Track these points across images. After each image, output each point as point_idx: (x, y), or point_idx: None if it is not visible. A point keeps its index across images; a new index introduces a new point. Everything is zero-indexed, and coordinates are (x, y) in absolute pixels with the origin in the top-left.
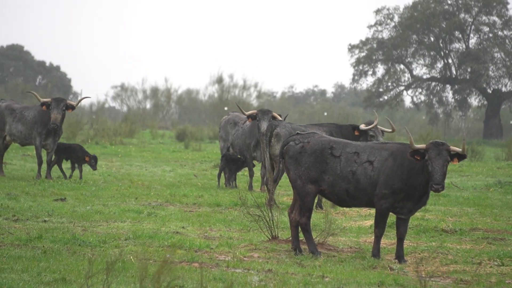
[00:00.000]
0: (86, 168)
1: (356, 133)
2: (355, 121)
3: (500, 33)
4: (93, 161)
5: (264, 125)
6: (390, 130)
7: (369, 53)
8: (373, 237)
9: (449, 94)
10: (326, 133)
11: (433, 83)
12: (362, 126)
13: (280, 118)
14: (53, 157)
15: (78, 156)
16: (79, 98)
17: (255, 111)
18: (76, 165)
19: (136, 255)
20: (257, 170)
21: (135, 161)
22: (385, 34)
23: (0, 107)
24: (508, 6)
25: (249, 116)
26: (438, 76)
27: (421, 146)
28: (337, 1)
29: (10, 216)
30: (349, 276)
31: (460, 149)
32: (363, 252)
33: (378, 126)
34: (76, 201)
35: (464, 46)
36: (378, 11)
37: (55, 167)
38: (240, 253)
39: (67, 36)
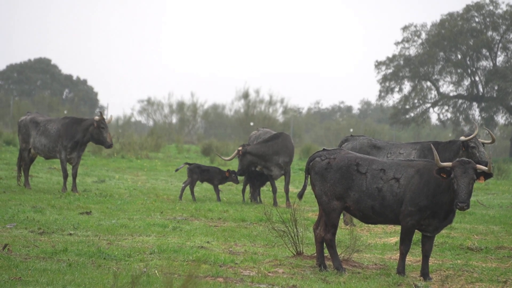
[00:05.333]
0: (112, 181)
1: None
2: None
3: None
4: (233, 175)
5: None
6: (490, 141)
7: (395, 70)
8: (398, 254)
9: (475, 112)
10: (417, 151)
11: (460, 101)
12: (462, 138)
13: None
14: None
15: (219, 179)
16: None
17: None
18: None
19: (161, 269)
20: (281, 186)
21: (161, 175)
22: (412, 51)
23: (25, 120)
24: None
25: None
26: (465, 94)
27: (447, 164)
28: (364, 17)
29: (36, 229)
30: None
31: (486, 168)
32: (388, 269)
33: (480, 139)
34: (102, 215)
35: (491, 64)
36: (405, 28)
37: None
38: (264, 269)
39: (95, 50)
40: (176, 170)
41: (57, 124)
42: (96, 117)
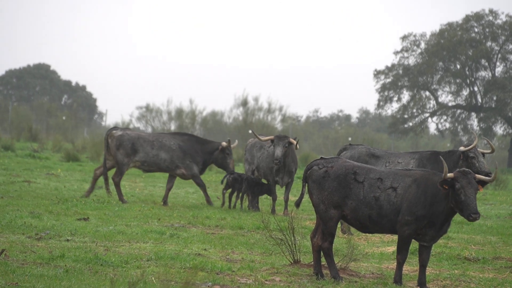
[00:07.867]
0: (110, 188)
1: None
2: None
3: None
4: None
5: (278, 151)
6: (489, 151)
7: (394, 79)
8: (396, 263)
9: (474, 122)
10: (416, 161)
11: (458, 111)
12: (462, 148)
13: (295, 143)
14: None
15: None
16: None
17: (272, 137)
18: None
19: (158, 276)
20: (280, 194)
21: (159, 182)
22: (411, 61)
23: (129, 135)
24: None
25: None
26: (464, 104)
27: (449, 175)
28: (363, 26)
29: (33, 234)
30: None
31: (487, 178)
32: (385, 278)
33: (479, 149)
34: (99, 221)
35: (490, 74)
36: (404, 38)
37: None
38: (261, 277)
39: (94, 56)
40: (222, 182)
41: (175, 140)
42: (224, 143)
